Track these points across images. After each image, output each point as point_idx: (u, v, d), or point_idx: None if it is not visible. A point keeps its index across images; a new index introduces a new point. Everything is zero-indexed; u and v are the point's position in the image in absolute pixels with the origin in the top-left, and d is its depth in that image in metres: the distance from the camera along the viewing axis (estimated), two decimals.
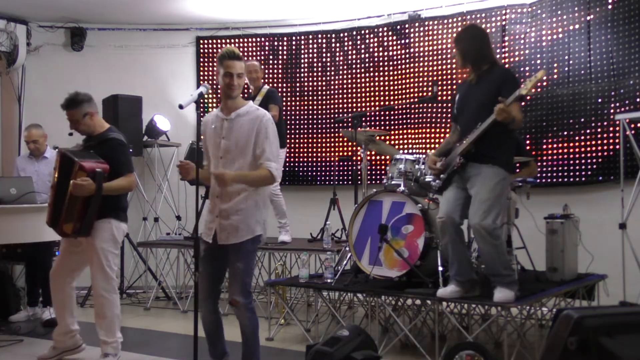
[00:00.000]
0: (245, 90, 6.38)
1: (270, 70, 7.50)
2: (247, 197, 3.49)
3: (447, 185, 4.16)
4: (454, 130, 4.33)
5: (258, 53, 7.54)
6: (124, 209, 4.29)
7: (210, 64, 7.69)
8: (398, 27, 7.01)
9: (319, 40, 7.39)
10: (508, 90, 3.88)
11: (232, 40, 7.68)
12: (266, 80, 6.63)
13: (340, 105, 7.27)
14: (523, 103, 5.44)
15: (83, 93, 4.25)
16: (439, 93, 6.45)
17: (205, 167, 3.67)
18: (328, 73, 7.35)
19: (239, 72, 3.49)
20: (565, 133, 5.95)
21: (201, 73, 7.74)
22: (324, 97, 7.36)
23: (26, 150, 6.96)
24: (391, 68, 7.02)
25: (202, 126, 3.67)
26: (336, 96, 7.30)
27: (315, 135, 7.39)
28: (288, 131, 7.29)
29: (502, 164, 4.00)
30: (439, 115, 6.66)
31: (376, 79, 7.10)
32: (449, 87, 6.63)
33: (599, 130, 5.76)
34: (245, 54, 7.63)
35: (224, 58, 3.48)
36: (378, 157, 6.93)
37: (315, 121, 7.40)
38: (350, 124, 5.68)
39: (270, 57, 7.53)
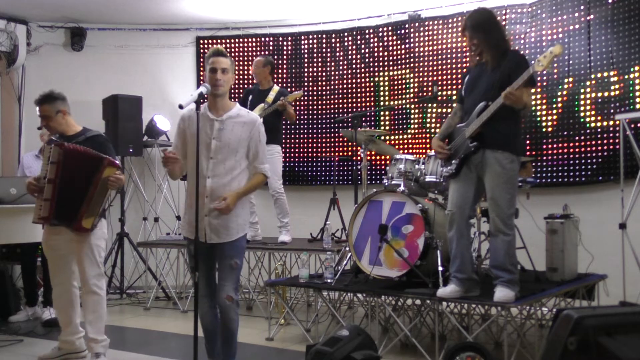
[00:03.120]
0: (251, 81, 6.42)
1: None
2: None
3: (459, 171, 4.12)
4: (456, 112, 4.31)
5: (258, 53, 7.53)
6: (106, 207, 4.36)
7: None
8: (398, 27, 7.01)
9: (319, 40, 7.39)
10: (517, 72, 3.85)
11: (232, 40, 7.68)
12: (275, 80, 6.64)
13: (341, 105, 7.27)
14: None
15: (57, 92, 4.31)
16: (439, 93, 6.45)
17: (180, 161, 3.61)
18: (328, 73, 7.35)
19: (224, 67, 3.51)
20: (565, 133, 5.95)
21: (201, 73, 7.73)
22: (324, 97, 7.36)
23: (28, 149, 6.99)
24: (391, 68, 7.02)
25: (182, 120, 3.64)
26: (336, 96, 7.30)
27: (315, 135, 7.39)
28: (288, 131, 7.30)
29: (511, 148, 3.99)
30: (439, 115, 6.65)
31: (376, 78, 7.10)
32: (449, 87, 6.63)
33: (599, 130, 5.75)
34: (246, 54, 7.63)
35: (209, 56, 3.56)
36: (378, 157, 6.93)
37: (315, 121, 7.40)
38: (350, 124, 5.68)
39: (270, 55, 7.52)
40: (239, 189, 3.53)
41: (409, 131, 6.89)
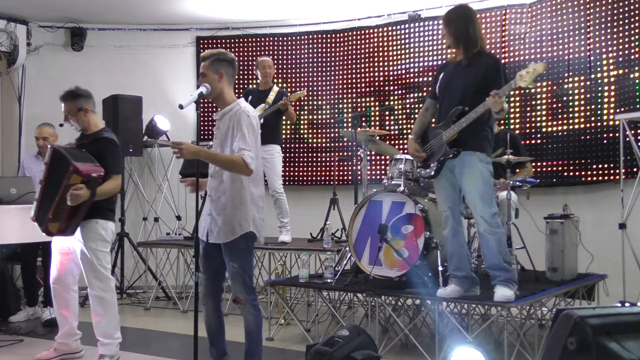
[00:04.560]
0: (256, 81, 6.41)
1: None
2: (232, 195, 3.46)
3: (438, 173, 4.13)
4: (427, 108, 4.31)
5: (258, 53, 7.53)
6: (111, 209, 4.22)
7: None
8: (398, 27, 7.01)
9: (319, 40, 7.39)
10: (496, 78, 3.89)
11: (232, 40, 7.68)
12: (275, 81, 6.65)
13: (340, 106, 7.27)
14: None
15: (83, 89, 4.27)
16: None
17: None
18: (328, 73, 7.35)
19: (202, 72, 3.54)
20: (565, 133, 5.95)
21: None
22: (324, 97, 7.36)
23: (28, 149, 6.99)
24: (391, 68, 7.02)
25: None
26: (336, 96, 7.30)
27: (315, 135, 7.39)
28: (288, 131, 7.30)
29: (483, 149, 4.02)
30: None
31: (376, 78, 7.10)
32: None
33: (599, 130, 5.76)
34: (246, 54, 7.64)
35: None
36: (378, 157, 6.93)
37: (315, 121, 7.40)
38: (350, 124, 5.68)
39: (270, 57, 7.52)
40: (203, 149, 3.45)
41: (409, 131, 6.88)
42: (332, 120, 7.27)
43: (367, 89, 7.14)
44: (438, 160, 4.10)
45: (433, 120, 4.32)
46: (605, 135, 5.71)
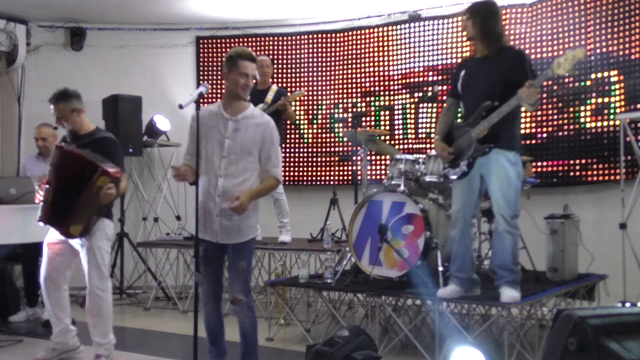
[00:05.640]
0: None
1: None
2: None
3: (470, 169, 4.04)
4: (449, 107, 4.25)
5: (258, 53, 7.52)
6: (111, 208, 4.26)
7: (210, 64, 7.69)
8: (398, 27, 7.00)
9: (319, 40, 7.39)
10: (523, 73, 3.83)
11: (232, 40, 7.68)
12: (273, 80, 6.65)
13: (340, 105, 7.27)
14: None
15: (72, 90, 4.24)
16: (440, 93, 6.44)
17: (187, 163, 3.59)
18: (328, 73, 7.35)
19: (253, 74, 3.51)
20: (566, 133, 5.95)
21: (201, 73, 7.73)
22: (324, 97, 7.35)
23: (27, 149, 6.99)
24: (391, 67, 7.02)
25: (195, 120, 3.48)
26: (336, 96, 7.30)
27: (315, 135, 7.39)
28: (288, 131, 7.29)
29: (514, 147, 3.96)
30: (439, 115, 6.65)
31: (376, 78, 7.10)
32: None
33: (599, 130, 5.75)
34: None
35: (240, 58, 3.47)
36: (378, 157, 6.93)
37: (315, 121, 7.39)
38: (350, 124, 5.68)
39: (270, 57, 7.51)
40: (252, 189, 3.48)
41: (409, 131, 6.89)
42: (331, 120, 7.26)
43: (367, 89, 7.13)
44: (468, 158, 4.03)
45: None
46: (605, 135, 5.70)
